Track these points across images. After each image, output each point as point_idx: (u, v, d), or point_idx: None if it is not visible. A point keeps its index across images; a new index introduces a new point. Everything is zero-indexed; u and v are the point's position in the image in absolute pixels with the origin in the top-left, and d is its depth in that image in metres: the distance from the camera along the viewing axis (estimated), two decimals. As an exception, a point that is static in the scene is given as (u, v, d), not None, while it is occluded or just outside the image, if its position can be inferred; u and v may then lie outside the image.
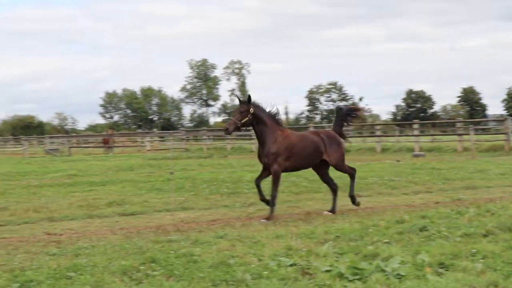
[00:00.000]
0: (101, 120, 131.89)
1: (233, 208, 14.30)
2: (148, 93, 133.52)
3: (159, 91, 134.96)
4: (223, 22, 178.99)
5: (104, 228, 12.03)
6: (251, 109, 12.69)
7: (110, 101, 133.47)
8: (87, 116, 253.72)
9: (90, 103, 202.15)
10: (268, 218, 12.28)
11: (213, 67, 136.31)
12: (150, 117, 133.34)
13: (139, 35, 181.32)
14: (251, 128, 13.04)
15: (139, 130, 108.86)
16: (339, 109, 14.32)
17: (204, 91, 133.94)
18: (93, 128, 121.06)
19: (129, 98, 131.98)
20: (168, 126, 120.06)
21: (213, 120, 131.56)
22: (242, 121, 12.68)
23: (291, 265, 7.84)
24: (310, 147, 13.10)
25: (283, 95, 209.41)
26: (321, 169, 13.62)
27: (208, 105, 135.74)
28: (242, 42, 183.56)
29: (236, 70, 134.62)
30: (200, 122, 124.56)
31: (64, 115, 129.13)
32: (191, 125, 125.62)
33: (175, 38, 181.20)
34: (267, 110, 13.00)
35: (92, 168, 30.12)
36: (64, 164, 35.25)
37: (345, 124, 14.10)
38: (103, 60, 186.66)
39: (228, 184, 19.28)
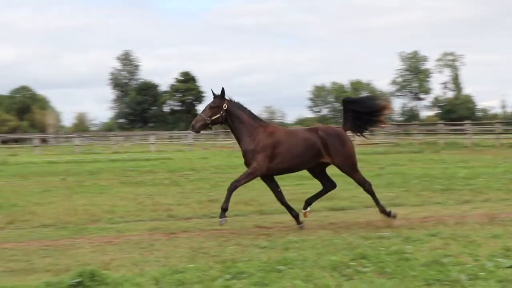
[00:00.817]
0: (309, 114, 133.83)
1: (446, 206, 13.98)
2: (357, 86, 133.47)
3: (368, 84, 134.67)
4: (436, 11, 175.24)
5: (313, 222, 12.18)
6: (224, 105, 11.60)
7: (319, 95, 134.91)
8: (296, 109, 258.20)
9: (299, 97, 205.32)
10: (223, 212, 11.20)
11: (425, 59, 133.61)
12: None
13: (349, 27, 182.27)
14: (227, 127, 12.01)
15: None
16: (346, 102, 12.53)
17: (415, 84, 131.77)
18: (301, 122, 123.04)
19: (338, 91, 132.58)
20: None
21: (424, 114, 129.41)
22: (212, 118, 11.56)
23: (510, 267, 7.57)
24: (301, 146, 11.57)
25: (499, 88, 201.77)
26: (318, 172, 12.19)
27: (419, 99, 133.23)
28: (455, 32, 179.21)
29: (449, 62, 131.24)
30: (411, 116, 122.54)
31: (273, 108, 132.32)
32: (401, 119, 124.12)
33: (386, 29, 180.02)
34: (244, 106, 11.87)
35: (301, 162, 30.46)
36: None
37: (358, 119, 12.17)
38: (312, 53, 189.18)
39: (440, 180, 18.89)
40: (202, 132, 12.28)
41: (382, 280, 7.16)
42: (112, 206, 14.80)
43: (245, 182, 11.52)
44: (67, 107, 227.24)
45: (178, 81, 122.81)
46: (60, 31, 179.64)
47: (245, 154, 11.56)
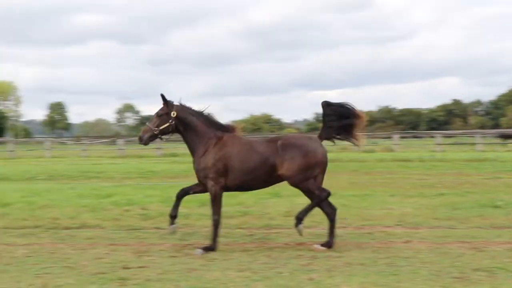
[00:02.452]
0: None
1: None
2: None
3: None
4: None
5: None
6: (173, 112, 10.82)
7: None
8: None
9: None
10: (206, 248, 10.46)
11: None
12: None
13: None
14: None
15: None
16: (326, 105, 10.98)
17: None
18: None
19: None
20: None
21: None
22: (161, 128, 10.83)
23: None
24: (255, 160, 10.59)
25: None
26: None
27: None
28: None
29: None
30: None
31: None
32: None
33: None
34: (201, 111, 11.07)
35: None
36: None
37: (336, 127, 10.86)
38: None
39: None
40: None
41: None
42: None
43: (219, 210, 10.72)
44: None
45: None
46: None
47: (196, 173, 10.88)
